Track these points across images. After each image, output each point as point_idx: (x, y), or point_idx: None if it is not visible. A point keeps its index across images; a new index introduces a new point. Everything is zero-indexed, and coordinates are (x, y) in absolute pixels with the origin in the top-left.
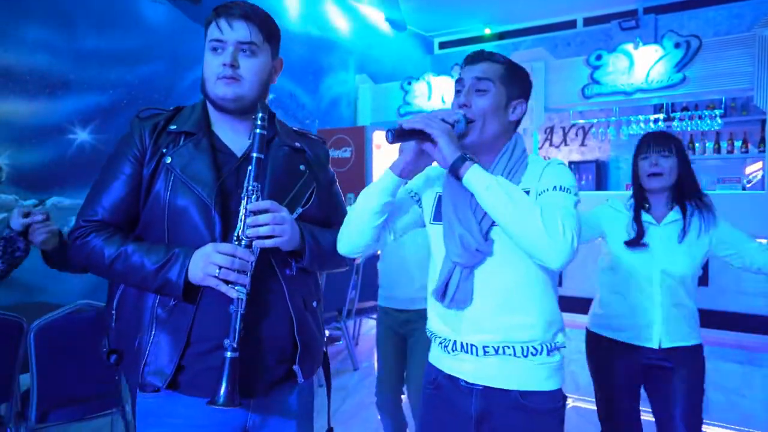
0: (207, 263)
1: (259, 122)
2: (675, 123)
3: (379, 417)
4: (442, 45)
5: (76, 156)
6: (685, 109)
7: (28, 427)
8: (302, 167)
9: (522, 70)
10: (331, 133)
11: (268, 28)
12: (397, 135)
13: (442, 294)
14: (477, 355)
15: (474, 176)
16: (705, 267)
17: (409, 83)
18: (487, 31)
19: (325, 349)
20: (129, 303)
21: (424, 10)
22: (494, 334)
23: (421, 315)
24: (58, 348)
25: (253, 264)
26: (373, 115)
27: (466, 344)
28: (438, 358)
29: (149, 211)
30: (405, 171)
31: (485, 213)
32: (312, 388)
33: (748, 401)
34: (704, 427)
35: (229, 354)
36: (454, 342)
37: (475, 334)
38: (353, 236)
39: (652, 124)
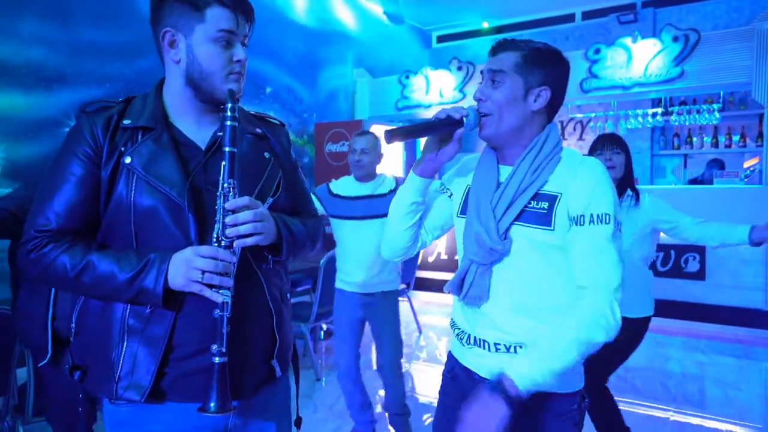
0: (189, 268)
1: (229, 113)
2: (673, 117)
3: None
4: (440, 39)
5: (65, 137)
6: (683, 103)
7: (25, 421)
8: (267, 155)
9: (549, 54)
10: (328, 127)
11: (253, 18)
12: (392, 134)
13: (458, 287)
14: (489, 350)
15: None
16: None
17: (407, 77)
18: (485, 25)
19: (294, 340)
20: (92, 315)
21: (423, 4)
22: (507, 333)
23: (379, 298)
24: None
25: (236, 265)
26: (371, 109)
27: (480, 339)
28: (456, 348)
29: (112, 215)
30: (426, 170)
31: (506, 210)
32: (289, 383)
33: (744, 395)
34: (701, 421)
35: (217, 359)
36: (469, 335)
37: (489, 331)
38: (390, 241)
39: (650, 118)
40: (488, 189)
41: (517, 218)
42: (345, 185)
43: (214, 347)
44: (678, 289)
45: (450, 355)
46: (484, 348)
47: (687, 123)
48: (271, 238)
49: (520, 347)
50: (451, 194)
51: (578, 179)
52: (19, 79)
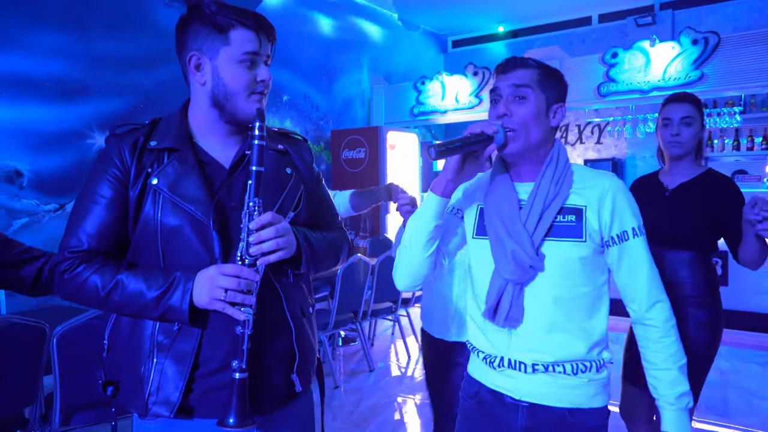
0: (213, 287)
1: (257, 132)
2: None
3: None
4: (456, 43)
5: (95, 160)
6: (703, 105)
7: (52, 430)
8: (289, 170)
9: (556, 72)
10: (345, 134)
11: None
12: (440, 150)
13: (493, 312)
14: (526, 372)
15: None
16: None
17: (423, 83)
18: (501, 29)
19: (318, 355)
20: (123, 332)
21: (437, 9)
22: (545, 353)
23: None
24: (81, 351)
25: (258, 283)
26: (387, 116)
27: (515, 361)
28: (481, 372)
29: (140, 235)
30: (448, 189)
31: (537, 226)
32: (311, 398)
33: None
34: (723, 430)
35: (237, 375)
36: (501, 358)
37: (526, 353)
38: (410, 271)
39: None
40: (511, 207)
41: (547, 233)
42: None
43: (235, 363)
44: None
45: (471, 379)
46: (520, 370)
47: (708, 126)
48: (292, 252)
49: (558, 365)
50: (462, 215)
51: (606, 195)
52: (41, 91)
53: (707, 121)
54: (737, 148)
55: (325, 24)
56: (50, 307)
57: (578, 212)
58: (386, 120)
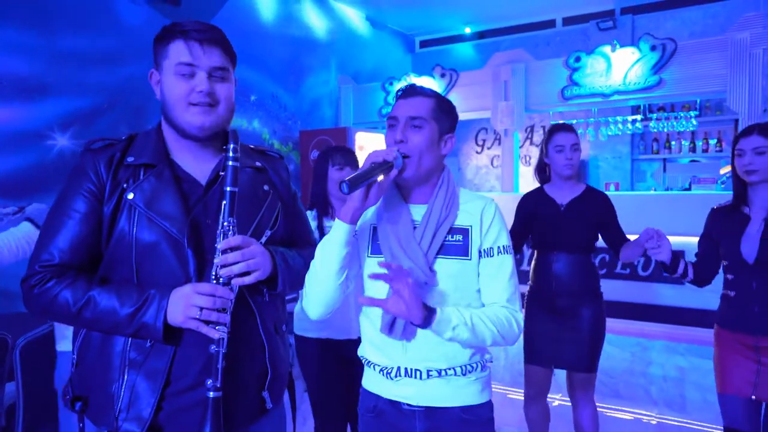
0: (188, 305)
1: (231, 153)
2: (652, 123)
3: None
4: (423, 44)
5: (56, 161)
6: (661, 109)
7: None
8: (266, 187)
9: (450, 104)
10: (313, 135)
11: (232, 52)
12: (352, 184)
13: (390, 327)
14: (421, 378)
15: (439, 328)
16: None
17: (391, 83)
18: (468, 30)
19: (290, 370)
20: (93, 347)
21: (405, 9)
22: (438, 360)
23: None
24: (45, 362)
25: (233, 302)
26: (356, 116)
27: (411, 370)
28: (378, 384)
29: (114, 250)
30: (356, 216)
31: (430, 245)
32: (283, 414)
33: None
34: (683, 425)
35: (212, 394)
36: (398, 368)
37: (421, 362)
38: (324, 301)
39: (629, 125)
40: (406, 227)
41: (438, 251)
42: None
43: (209, 382)
44: (658, 294)
45: (368, 393)
46: (415, 377)
47: (665, 129)
48: (267, 272)
49: (450, 369)
50: (355, 235)
51: (484, 215)
52: (0, 90)
53: (665, 123)
54: (693, 150)
55: (292, 22)
56: (12, 315)
57: (465, 232)
58: (355, 120)
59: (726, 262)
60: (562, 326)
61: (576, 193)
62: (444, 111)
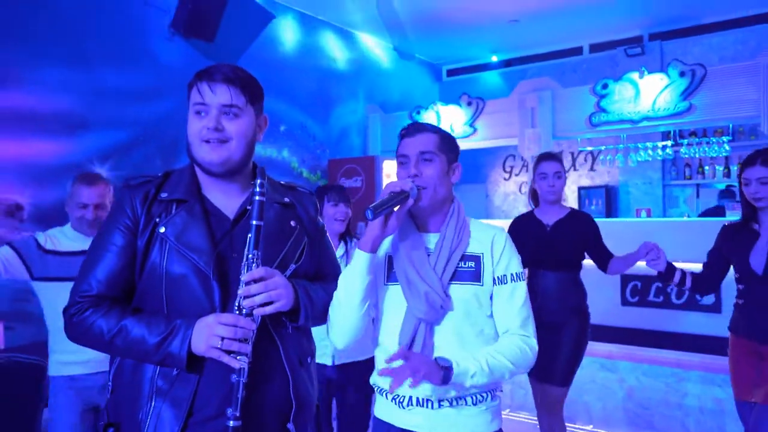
0: (210, 335)
1: (258, 189)
2: (683, 149)
3: None
4: (450, 72)
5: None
6: (693, 134)
7: None
8: (293, 223)
9: (451, 136)
10: (341, 163)
11: (250, 90)
12: (376, 210)
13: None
14: (432, 408)
15: (458, 380)
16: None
17: (418, 112)
18: (494, 59)
19: (317, 402)
20: (126, 374)
21: (432, 38)
22: (449, 390)
23: None
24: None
25: (255, 332)
26: (383, 144)
27: (423, 399)
28: (389, 413)
29: (146, 281)
30: (376, 245)
31: (444, 269)
32: None
33: None
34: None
35: (231, 423)
36: (410, 397)
37: (432, 391)
38: (349, 330)
39: (660, 151)
40: (420, 254)
41: (452, 278)
42: (62, 237)
43: (229, 411)
44: (694, 323)
45: (380, 422)
46: (427, 407)
47: (697, 155)
48: (290, 305)
49: (461, 398)
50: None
51: (495, 244)
52: (44, 126)
53: (697, 149)
54: (727, 174)
55: (320, 54)
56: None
57: (476, 259)
58: (382, 149)
59: (737, 274)
60: (543, 340)
61: (561, 215)
62: (448, 143)
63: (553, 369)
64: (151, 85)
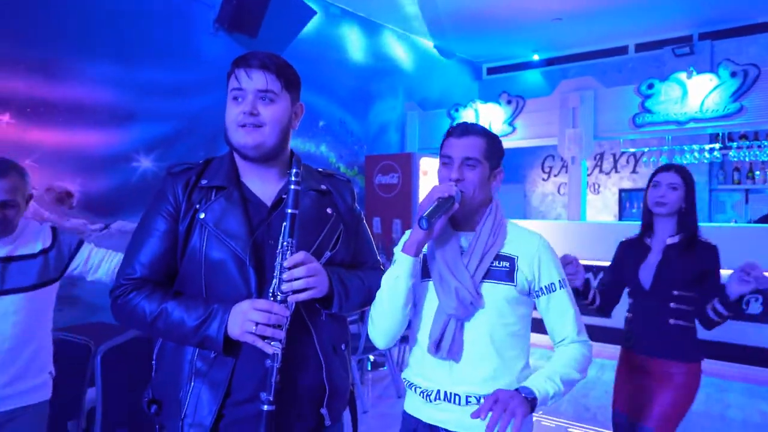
0: (245, 320)
1: (293, 178)
2: (732, 152)
3: None
4: (491, 71)
5: (139, 182)
6: (743, 137)
7: None
8: (329, 210)
9: (499, 141)
10: (378, 159)
11: (285, 77)
12: (430, 218)
13: (437, 346)
14: (460, 404)
15: (542, 404)
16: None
17: (456, 110)
18: (536, 57)
19: (351, 388)
20: (167, 355)
21: (473, 36)
22: (480, 385)
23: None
24: (124, 369)
25: (289, 319)
26: (421, 142)
27: (450, 394)
28: (418, 408)
29: (187, 266)
30: (419, 249)
31: (477, 268)
32: (342, 429)
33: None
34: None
35: (266, 407)
36: (437, 391)
37: (461, 385)
38: (391, 331)
39: (707, 154)
40: (454, 252)
41: (485, 276)
42: None
43: (263, 395)
44: (739, 333)
45: (408, 416)
46: (454, 402)
47: (747, 159)
48: (324, 292)
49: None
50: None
51: (538, 252)
52: (93, 117)
53: (747, 153)
54: None
55: (361, 51)
56: (95, 323)
57: (511, 260)
58: (420, 146)
59: (629, 288)
60: None
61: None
62: (494, 149)
63: None
64: (195, 80)
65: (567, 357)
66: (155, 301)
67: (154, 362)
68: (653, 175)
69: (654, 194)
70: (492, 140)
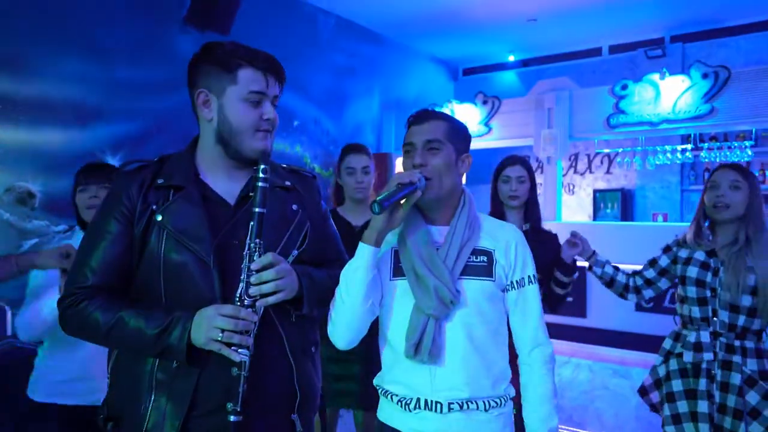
0: (209, 327)
1: (261, 174)
2: (703, 153)
3: None
4: (466, 71)
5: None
6: (713, 138)
7: None
8: (294, 206)
9: (462, 125)
10: None
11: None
12: (381, 203)
13: (415, 349)
14: (441, 412)
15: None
16: None
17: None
18: (511, 58)
19: (321, 393)
20: (123, 368)
21: (449, 37)
22: (461, 390)
23: None
24: None
25: (257, 324)
26: (397, 142)
27: (431, 402)
28: (396, 417)
29: (144, 271)
30: (379, 239)
31: (455, 264)
32: None
33: None
34: None
35: (233, 418)
36: (417, 400)
37: (442, 391)
38: (352, 327)
39: (679, 155)
40: (429, 247)
41: (462, 272)
42: None
43: (230, 405)
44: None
45: (385, 426)
46: (435, 411)
47: (718, 159)
48: (293, 293)
49: (471, 402)
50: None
51: (513, 244)
52: (57, 115)
53: (717, 153)
54: None
55: (337, 50)
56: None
57: (489, 254)
58: (396, 146)
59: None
60: None
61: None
62: (457, 131)
63: None
64: (164, 77)
65: (537, 378)
66: (110, 310)
67: (108, 376)
68: (501, 168)
69: (505, 188)
70: (454, 123)
